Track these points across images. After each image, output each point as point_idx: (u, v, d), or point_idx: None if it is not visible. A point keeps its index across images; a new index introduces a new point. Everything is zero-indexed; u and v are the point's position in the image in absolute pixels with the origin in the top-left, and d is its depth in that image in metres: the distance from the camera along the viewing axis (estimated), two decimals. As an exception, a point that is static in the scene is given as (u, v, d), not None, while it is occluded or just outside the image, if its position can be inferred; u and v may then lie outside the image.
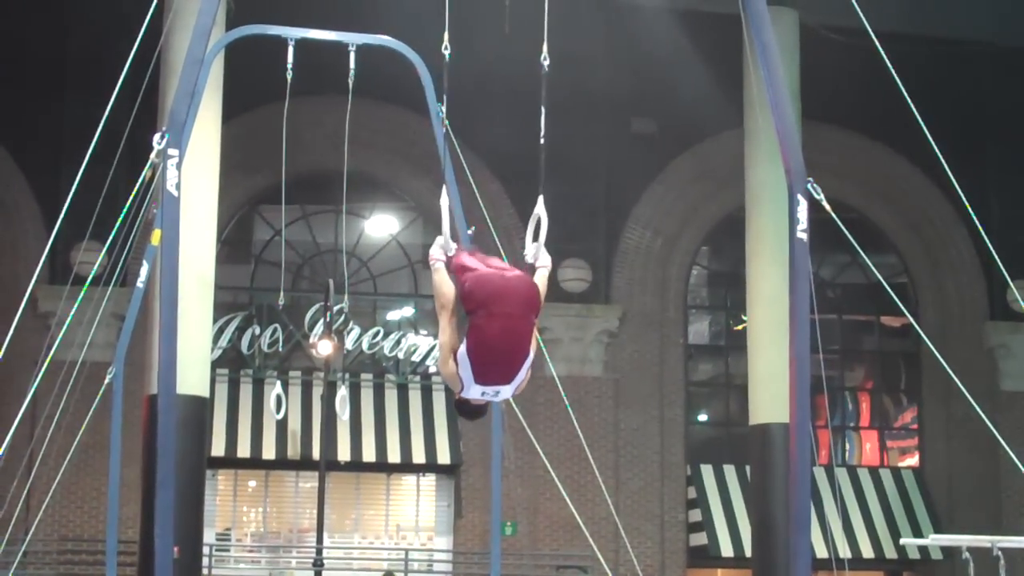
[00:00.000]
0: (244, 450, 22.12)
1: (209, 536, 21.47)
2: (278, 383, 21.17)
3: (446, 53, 7.57)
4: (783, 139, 7.33)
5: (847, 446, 25.67)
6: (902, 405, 26.33)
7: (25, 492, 16.11)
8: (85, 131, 9.46)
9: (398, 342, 23.40)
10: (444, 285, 6.52)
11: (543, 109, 7.09)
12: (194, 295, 16.32)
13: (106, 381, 13.55)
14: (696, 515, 23.79)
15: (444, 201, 6.95)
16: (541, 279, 6.61)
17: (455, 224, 9.11)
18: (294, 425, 22.36)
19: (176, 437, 7.08)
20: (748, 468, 21.47)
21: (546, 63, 7.27)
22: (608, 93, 23.89)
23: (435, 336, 23.69)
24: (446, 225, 6.74)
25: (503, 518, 16.05)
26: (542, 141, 7.19)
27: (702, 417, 25.80)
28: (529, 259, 6.77)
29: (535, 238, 6.76)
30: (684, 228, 25.00)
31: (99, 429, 17.10)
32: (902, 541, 18.06)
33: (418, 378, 23.49)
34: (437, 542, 23.50)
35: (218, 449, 21.69)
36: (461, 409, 6.61)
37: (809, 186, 7.17)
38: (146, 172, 9.23)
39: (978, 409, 9.88)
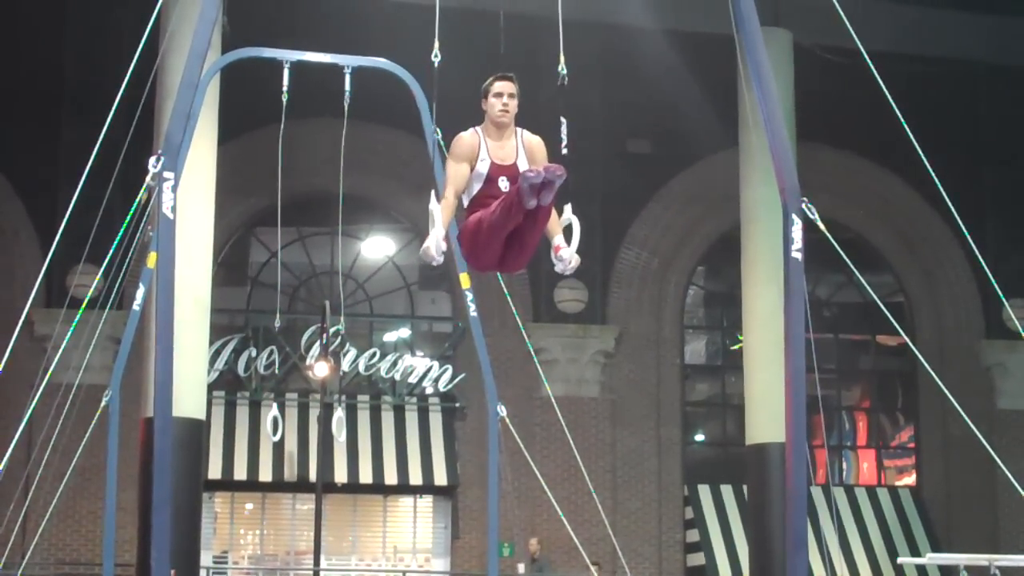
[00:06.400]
0: (241, 472, 22.08)
1: (206, 559, 21.42)
2: (274, 405, 21.11)
3: (435, 60, 7.60)
4: (777, 159, 7.35)
5: (844, 466, 25.63)
6: (899, 424, 26.31)
7: (21, 516, 16.06)
8: (81, 153, 9.46)
9: (395, 363, 23.36)
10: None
11: (563, 120, 7.25)
12: (190, 317, 16.29)
13: (102, 404, 13.55)
14: (693, 535, 23.74)
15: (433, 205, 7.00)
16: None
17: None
18: (291, 447, 22.32)
19: (172, 460, 7.08)
20: (745, 488, 21.43)
21: (564, 74, 7.41)
22: (603, 113, 23.90)
23: (431, 357, 23.71)
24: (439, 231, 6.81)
25: (500, 539, 16.05)
26: (564, 151, 7.38)
27: (699, 437, 25.77)
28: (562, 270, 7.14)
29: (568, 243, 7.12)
30: (680, 248, 25.01)
31: (95, 452, 17.06)
32: (899, 560, 18.02)
33: (415, 399, 23.45)
34: (434, 563, 23.43)
35: (215, 472, 21.67)
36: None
37: (804, 206, 7.18)
38: (142, 195, 9.26)
39: (975, 429, 9.86)
